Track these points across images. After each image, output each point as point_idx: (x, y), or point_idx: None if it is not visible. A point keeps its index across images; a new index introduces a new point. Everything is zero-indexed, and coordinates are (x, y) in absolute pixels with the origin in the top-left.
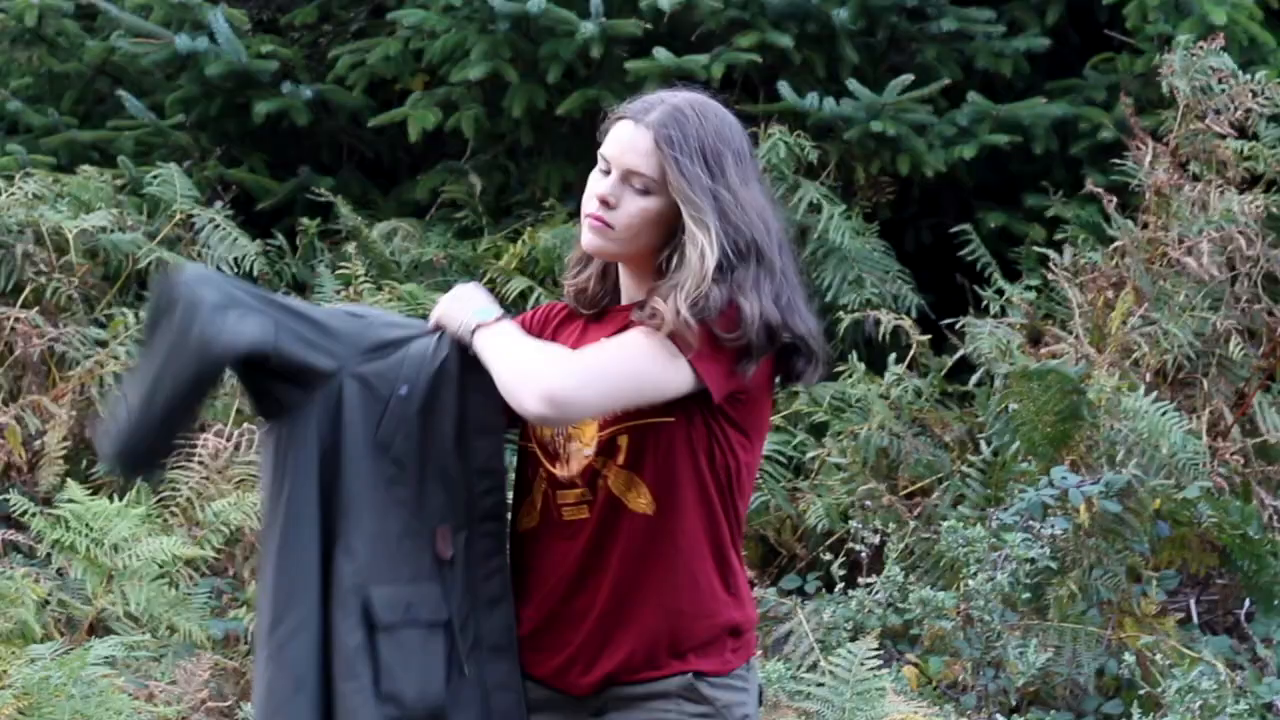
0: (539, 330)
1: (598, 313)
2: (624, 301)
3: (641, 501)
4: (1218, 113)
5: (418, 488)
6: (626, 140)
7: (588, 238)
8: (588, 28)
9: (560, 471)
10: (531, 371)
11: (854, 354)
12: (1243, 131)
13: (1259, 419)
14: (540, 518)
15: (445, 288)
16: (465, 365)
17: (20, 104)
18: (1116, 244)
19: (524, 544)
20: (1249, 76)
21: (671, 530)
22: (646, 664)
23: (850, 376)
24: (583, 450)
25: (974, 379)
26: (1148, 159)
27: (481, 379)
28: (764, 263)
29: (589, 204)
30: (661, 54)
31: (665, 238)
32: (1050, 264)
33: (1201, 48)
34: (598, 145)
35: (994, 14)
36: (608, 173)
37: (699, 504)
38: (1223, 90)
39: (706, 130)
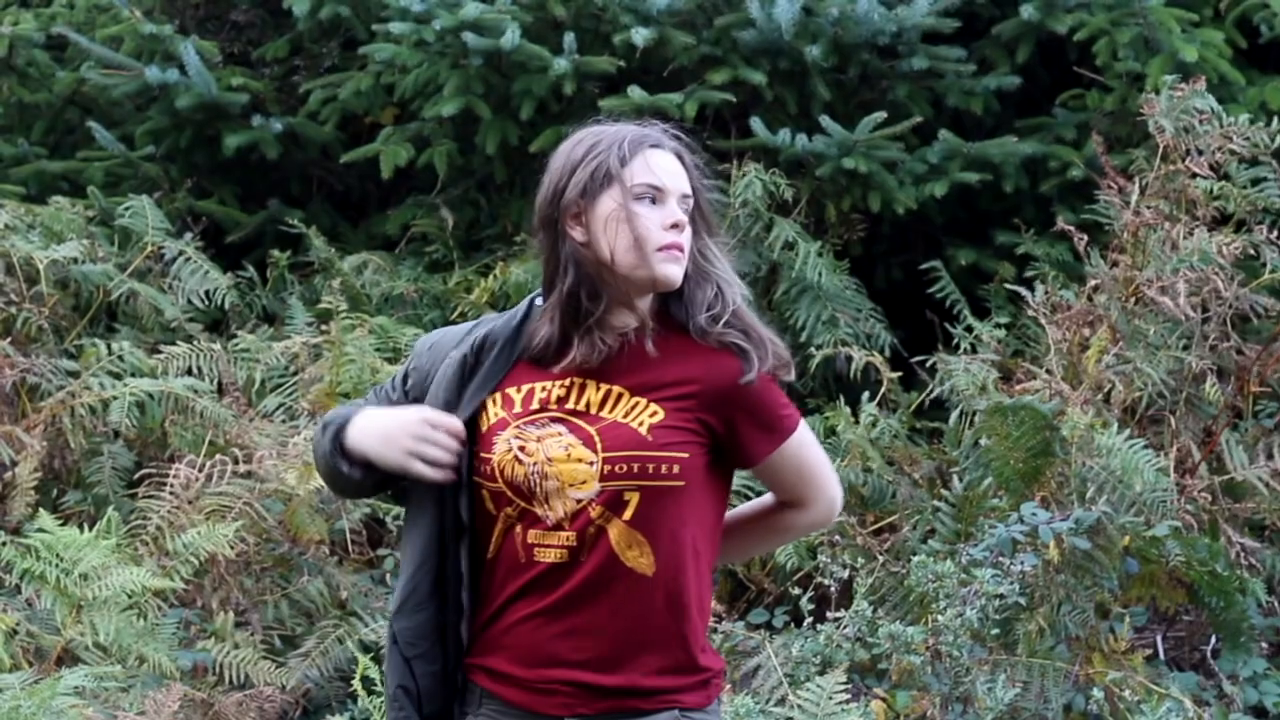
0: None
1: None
2: (616, 326)
3: (643, 561)
4: (1200, 153)
5: None
6: (670, 166)
7: (674, 269)
8: (561, 64)
9: (541, 511)
10: None
11: (841, 396)
12: (1216, 172)
13: (1226, 457)
14: (496, 552)
15: (416, 320)
16: None
17: None
18: (1094, 282)
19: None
20: (1232, 119)
21: (669, 591)
22: (635, 699)
23: (828, 416)
24: (570, 493)
25: (954, 416)
26: (1121, 198)
27: None
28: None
29: (662, 236)
30: (636, 92)
31: None
32: (1025, 301)
33: (1183, 89)
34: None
35: (964, 52)
36: (654, 202)
37: (695, 566)
38: (1206, 131)
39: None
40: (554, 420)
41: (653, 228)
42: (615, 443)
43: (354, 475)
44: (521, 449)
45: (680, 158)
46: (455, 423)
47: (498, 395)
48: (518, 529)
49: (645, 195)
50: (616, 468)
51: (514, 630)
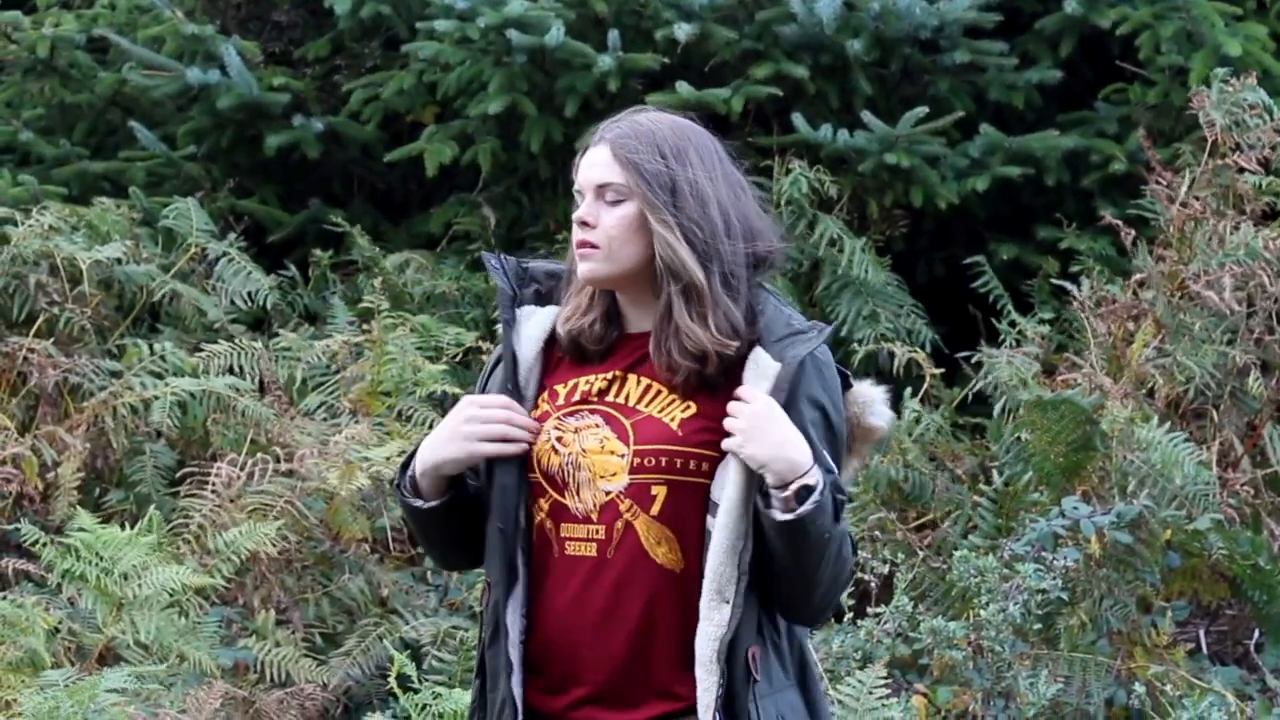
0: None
1: (602, 350)
2: (632, 330)
3: (672, 557)
4: (1251, 148)
5: None
6: (589, 162)
7: (582, 267)
8: (605, 61)
9: (572, 503)
10: None
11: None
12: (1265, 167)
13: (1269, 450)
14: (531, 548)
15: (458, 319)
16: None
17: (32, 135)
18: (1139, 276)
19: None
20: None
21: (696, 588)
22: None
23: None
24: (601, 484)
25: (997, 409)
26: (1168, 192)
27: None
28: (722, 263)
29: (575, 236)
30: (683, 87)
31: (653, 246)
32: (1068, 296)
33: (1235, 83)
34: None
35: (1006, 46)
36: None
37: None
38: (1256, 125)
39: (662, 129)
40: (593, 412)
41: (575, 230)
42: (646, 436)
43: (430, 505)
44: (559, 439)
45: (613, 146)
46: (504, 399)
47: (546, 391)
48: (549, 523)
49: (577, 201)
50: (645, 460)
51: (547, 636)
